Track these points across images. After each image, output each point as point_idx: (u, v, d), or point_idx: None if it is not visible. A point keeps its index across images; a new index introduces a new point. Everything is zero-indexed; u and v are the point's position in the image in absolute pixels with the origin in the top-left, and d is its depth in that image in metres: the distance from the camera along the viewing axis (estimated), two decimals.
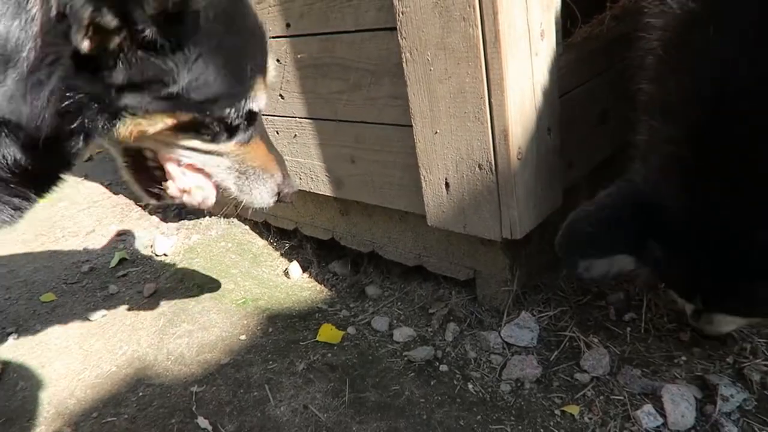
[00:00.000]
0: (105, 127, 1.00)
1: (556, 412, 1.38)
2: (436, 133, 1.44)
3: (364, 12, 1.48)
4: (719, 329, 1.33)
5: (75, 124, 0.96)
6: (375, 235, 1.94)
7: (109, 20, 0.86)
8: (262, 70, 1.19)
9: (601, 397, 1.39)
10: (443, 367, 1.57)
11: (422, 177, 1.53)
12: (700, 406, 1.31)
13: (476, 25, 1.24)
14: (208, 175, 1.31)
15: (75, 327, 2.07)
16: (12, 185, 1.07)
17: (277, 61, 1.77)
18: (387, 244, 1.92)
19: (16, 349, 2.00)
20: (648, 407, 1.32)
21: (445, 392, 1.50)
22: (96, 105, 0.97)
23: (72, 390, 1.74)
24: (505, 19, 1.21)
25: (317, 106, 1.76)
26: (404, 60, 1.41)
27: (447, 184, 1.49)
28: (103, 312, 2.11)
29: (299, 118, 1.83)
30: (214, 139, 1.18)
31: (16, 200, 1.11)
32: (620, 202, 1.14)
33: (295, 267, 2.17)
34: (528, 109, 1.36)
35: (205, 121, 1.12)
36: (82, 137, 1.00)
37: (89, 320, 2.08)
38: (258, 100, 1.18)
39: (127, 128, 1.04)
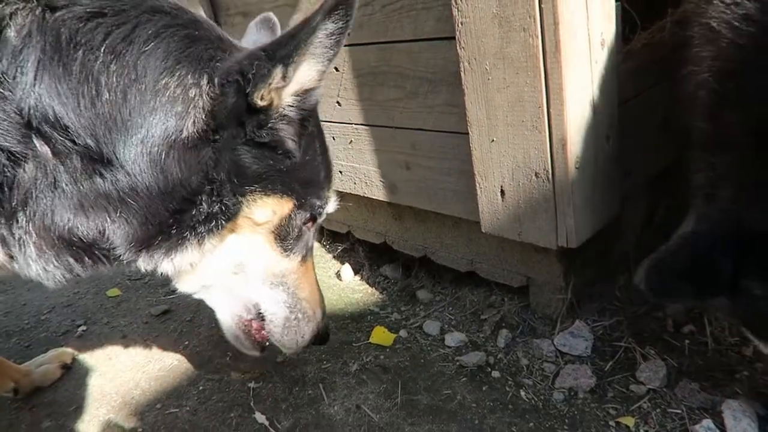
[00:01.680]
0: (230, 209, 1.07)
1: (611, 423, 1.37)
2: (493, 141, 1.45)
3: (423, 22, 1.51)
4: None
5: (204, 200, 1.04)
6: (427, 240, 1.96)
7: (280, 78, 0.99)
8: (330, 182, 1.29)
9: (658, 410, 1.37)
10: (495, 373, 1.58)
11: (477, 184, 1.55)
12: (763, 423, 1.27)
13: (536, 35, 1.25)
14: (256, 317, 1.32)
15: (139, 321, 2.18)
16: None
17: (335, 69, 1.82)
18: (439, 249, 1.94)
19: (85, 341, 2.12)
20: (707, 422, 1.29)
21: (497, 398, 1.51)
22: (228, 186, 1.05)
23: (137, 381, 1.84)
24: (566, 30, 1.22)
25: (373, 113, 1.80)
26: (462, 69, 1.43)
27: (502, 192, 1.50)
28: (165, 307, 2.21)
29: (355, 124, 1.87)
30: (295, 243, 1.23)
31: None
32: (706, 240, 0.98)
33: (347, 269, 2.22)
34: (586, 118, 1.36)
35: (297, 218, 1.19)
36: (208, 224, 1.06)
37: (152, 315, 2.19)
38: (331, 203, 1.30)
39: (242, 212, 1.09)
